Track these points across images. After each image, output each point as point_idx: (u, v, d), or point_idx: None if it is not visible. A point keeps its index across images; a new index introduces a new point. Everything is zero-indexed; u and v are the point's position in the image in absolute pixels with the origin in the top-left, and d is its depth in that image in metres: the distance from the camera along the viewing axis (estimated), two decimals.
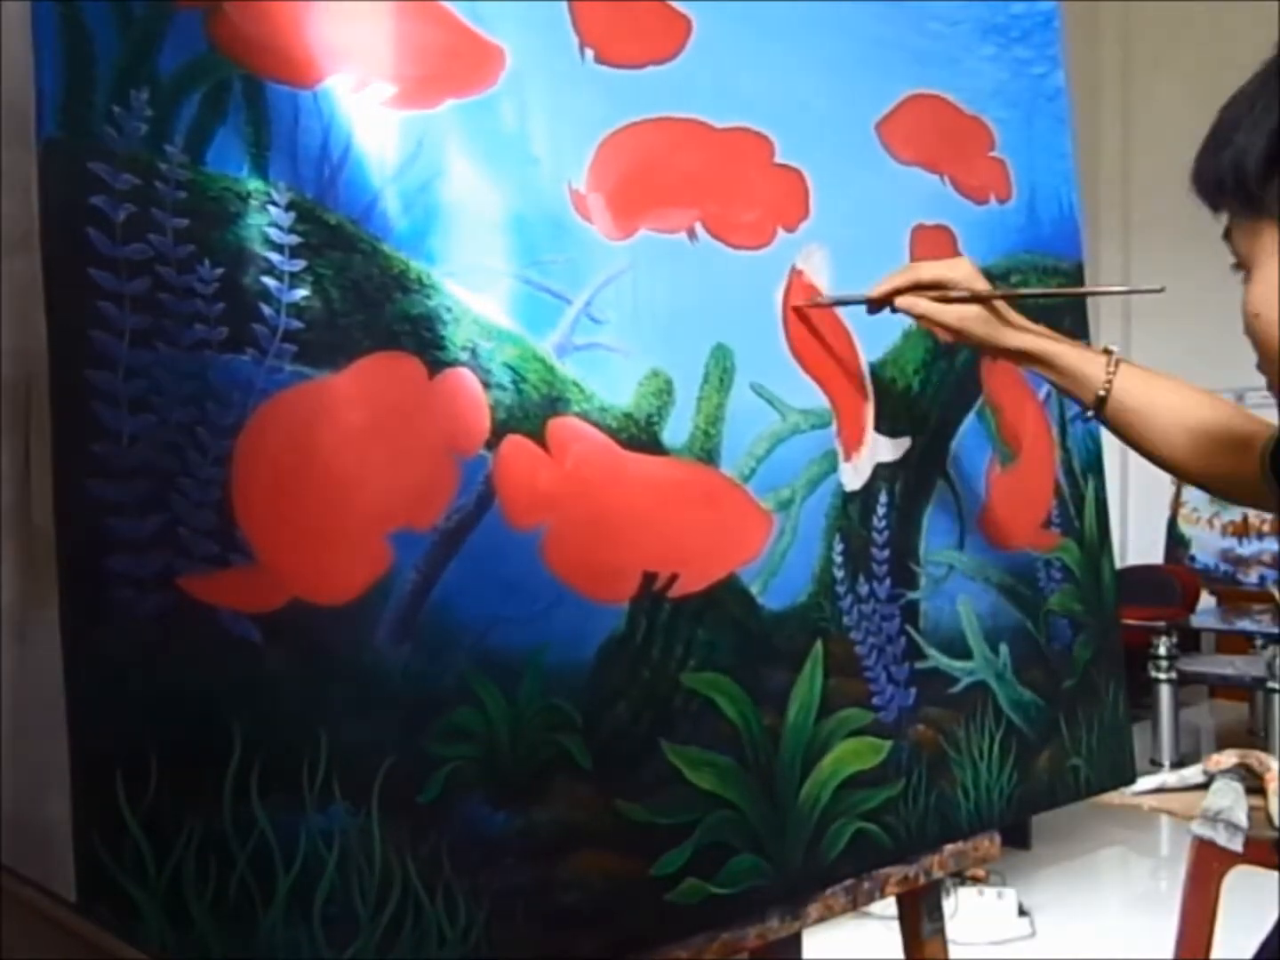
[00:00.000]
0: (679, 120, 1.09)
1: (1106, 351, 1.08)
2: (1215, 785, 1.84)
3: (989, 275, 1.35)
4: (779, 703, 1.09)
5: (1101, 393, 1.05)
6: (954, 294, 1.11)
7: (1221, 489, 1.08)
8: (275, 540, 0.85)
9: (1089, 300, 1.51)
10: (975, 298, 1.10)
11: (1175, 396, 1.06)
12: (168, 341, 0.83)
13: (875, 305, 1.15)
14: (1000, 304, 1.12)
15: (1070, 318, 1.47)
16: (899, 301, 1.12)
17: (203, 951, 0.81)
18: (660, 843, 0.99)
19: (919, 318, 1.13)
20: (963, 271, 1.12)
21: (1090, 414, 1.08)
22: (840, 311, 1.19)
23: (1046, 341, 1.11)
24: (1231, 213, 0.81)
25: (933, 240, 1.30)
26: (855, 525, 1.18)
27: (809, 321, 1.17)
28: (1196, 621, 4.53)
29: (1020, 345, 1.10)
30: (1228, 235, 0.82)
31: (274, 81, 0.87)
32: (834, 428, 1.17)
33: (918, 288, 1.12)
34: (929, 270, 1.13)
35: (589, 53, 1.03)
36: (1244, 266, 0.81)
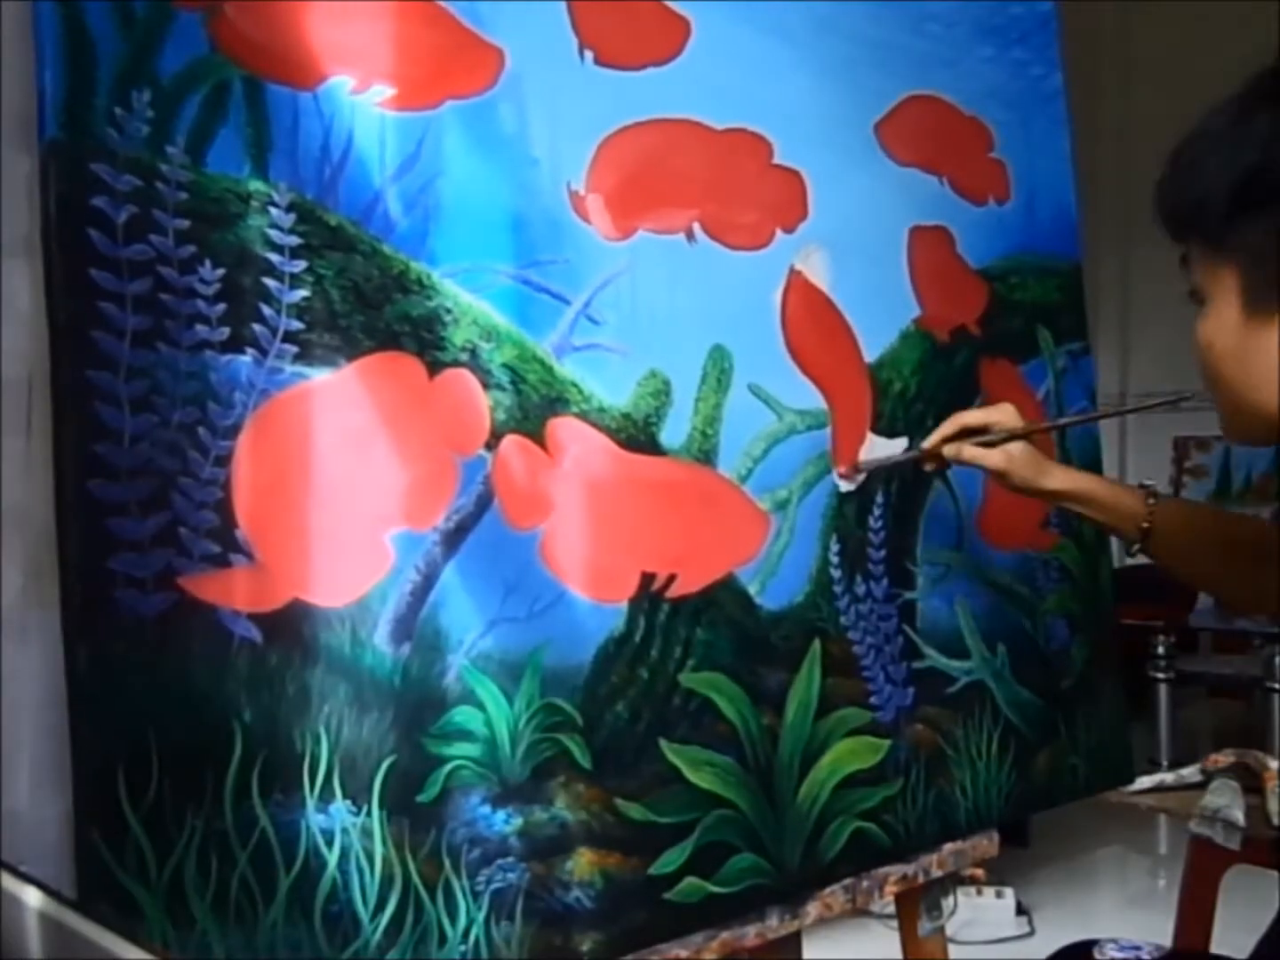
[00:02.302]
0: (678, 121, 1.09)
1: (1143, 487, 1.10)
2: (1213, 784, 1.84)
3: (987, 276, 1.36)
4: (777, 702, 1.09)
5: (1145, 525, 1.07)
6: (994, 435, 1.12)
7: (1261, 606, 1.09)
8: (276, 540, 0.86)
9: (1089, 303, 1.51)
10: (1015, 435, 1.12)
11: (1212, 522, 1.10)
12: (169, 342, 0.84)
13: (928, 460, 1.16)
14: (1044, 450, 1.13)
15: (1069, 319, 1.47)
16: (945, 450, 1.14)
17: (204, 950, 0.81)
18: (659, 842, 0.99)
19: (968, 463, 1.14)
20: (1005, 415, 1.13)
21: (1135, 549, 1.09)
22: (844, 312, 1.19)
23: (1088, 481, 1.13)
24: (1194, 245, 0.82)
25: (931, 241, 1.31)
26: (852, 525, 1.19)
27: (809, 324, 1.17)
28: (1194, 621, 4.53)
29: (1062, 486, 1.11)
30: (1184, 263, 0.83)
31: (274, 83, 0.88)
32: (829, 430, 1.18)
33: (964, 434, 1.13)
34: (973, 416, 1.15)
35: (588, 54, 1.04)
36: (1199, 297, 0.82)
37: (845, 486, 1.18)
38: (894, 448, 1.23)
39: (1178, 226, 0.82)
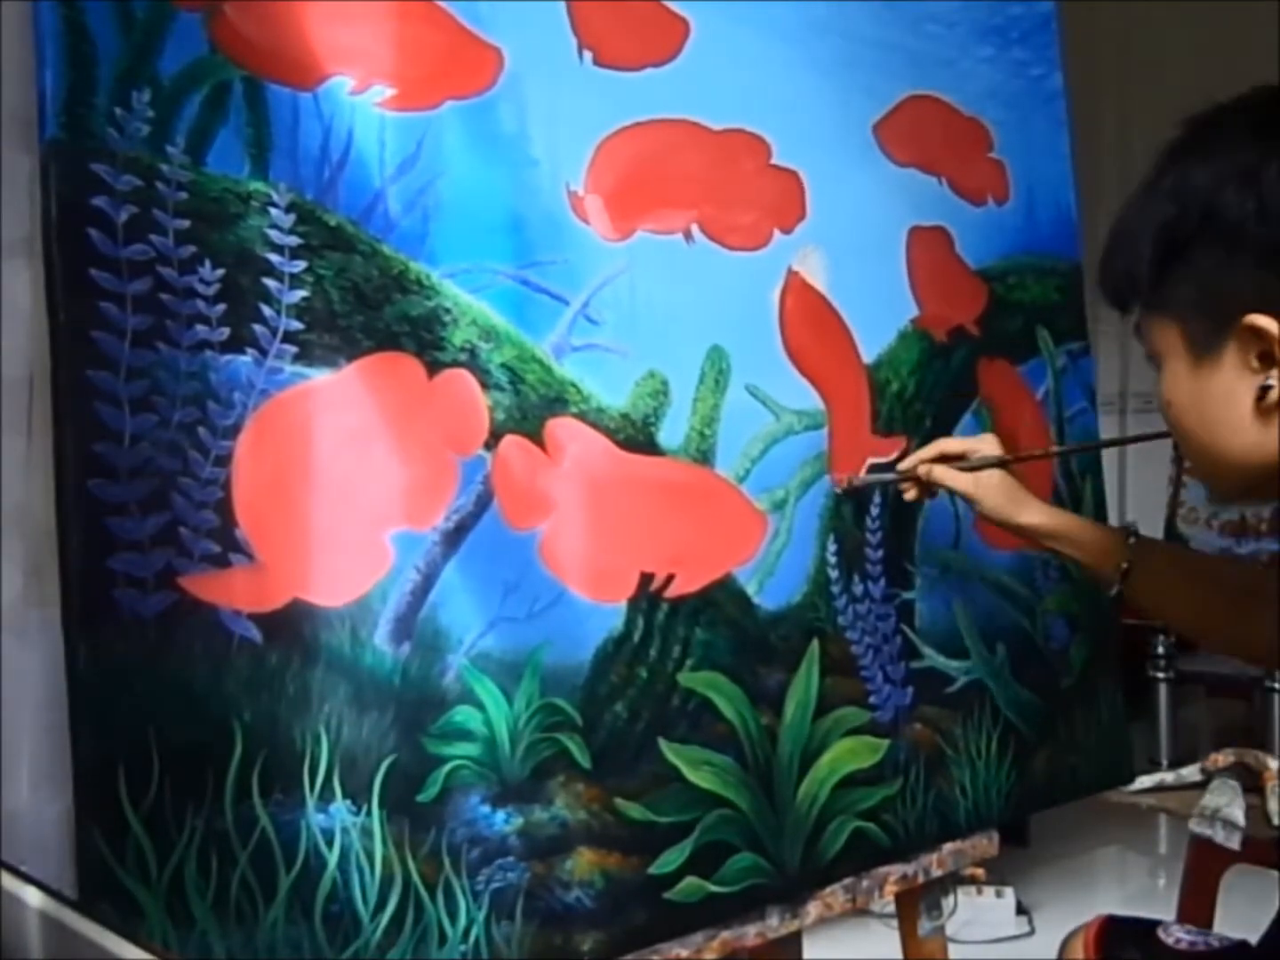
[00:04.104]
0: (676, 122, 1.09)
1: (1124, 529, 1.09)
2: (1213, 784, 1.84)
3: (986, 276, 1.36)
4: (776, 702, 1.09)
5: (1124, 565, 1.05)
6: (972, 462, 1.12)
7: (1242, 650, 1.09)
8: (276, 540, 0.86)
9: (1088, 306, 1.51)
10: (992, 463, 1.11)
11: (1196, 565, 1.10)
12: (169, 342, 0.84)
13: (906, 482, 1.16)
14: (1022, 483, 1.12)
15: (1069, 319, 1.47)
16: (920, 470, 1.14)
17: (204, 949, 0.81)
18: (659, 841, 0.99)
19: (937, 483, 1.13)
20: (986, 444, 1.13)
21: (1114, 590, 1.07)
22: (843, 313, 1.19)
23: (1066, 518, 1.11)
24: (1139, 310, 0.83)
25: (930, 241, 1.31)
26: (849, 525, 1.19)
27: (807, 325, 1.17)
28: None
29: (1037, 521, 1.10)
30: (1138, 331, 0.84)
31: (274, 83, 0.88)
32: (825, 430, 1.18)
33: (943, 458, 1.13)
34: (953, 443, 1.15)
35: (587, 54, 1.04)
36: (1154, 359, 0.84)
37: (838, 490, 1.18)
38: (892, 449, 1.23)
39: (1118, 297, 0.84)
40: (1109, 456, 1.52)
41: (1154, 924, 1.15)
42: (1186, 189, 0.77)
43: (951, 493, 1.14)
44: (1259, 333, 0.74)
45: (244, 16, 0.87)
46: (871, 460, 1.21)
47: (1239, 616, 1.00)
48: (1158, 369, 0.83)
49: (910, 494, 1.16)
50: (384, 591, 0.88)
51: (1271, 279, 0.74)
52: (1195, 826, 1.80)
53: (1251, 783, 1.82)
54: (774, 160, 1.16)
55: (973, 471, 1.11)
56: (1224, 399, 0.78)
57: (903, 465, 1.16)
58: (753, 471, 1.10)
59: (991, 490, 1.10)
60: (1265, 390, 0.76)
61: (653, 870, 0.98)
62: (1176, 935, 1.12)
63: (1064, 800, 1.40)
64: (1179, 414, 0.82)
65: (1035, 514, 1.10)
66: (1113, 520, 1.54)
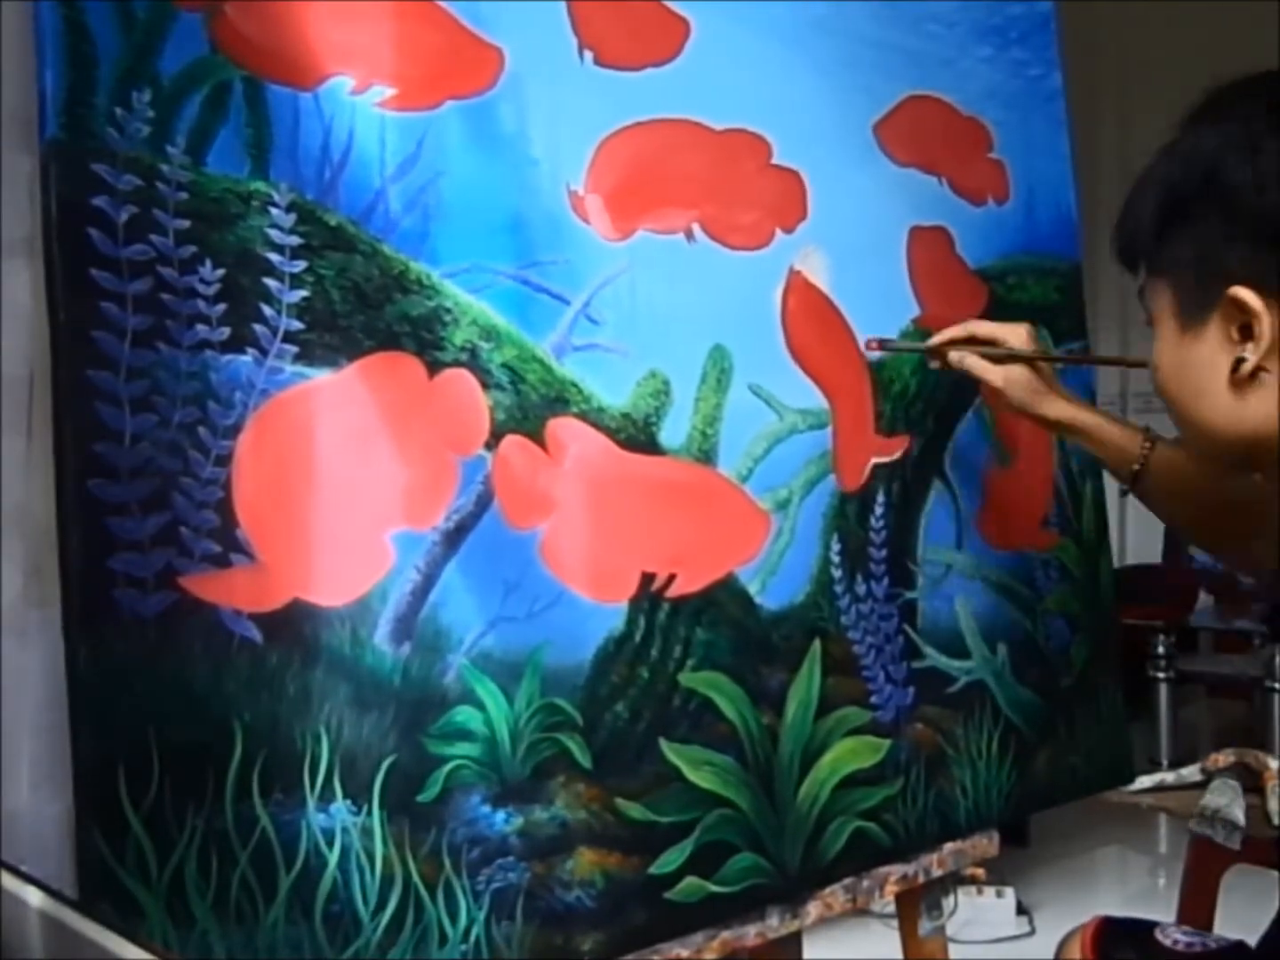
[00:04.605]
0: (677, 122, 1.09)
1: (1144, 430, 1.11)
2: (1213, 784, 1.84)
3: (986, 276, 1.36)
4: (777, 702, 1.09)
5: (1137, 466, 1.08)
6: (998, 351, 1.13)
7: (1242, 557, 1.11)
8: (276, 540, 0.86)
9: (1088, 303, 1.51)
10: (1016, 356, 1.12)
11: (1205, 475, 1.09)
12: (169, 342, 0.84)
13: (931, 355, 1.18)
14: (1048, 376, 1.14)
15: (1069, 319, 1.47)
16: (950, 355, 1.15)
17: (205, 949, 0.81)
18: (660, 841, 0.99)
19: (967, 372, 1.15)
20: (1017, 335, 1.14)
21: (1125, 487, 1.10)
22: (844, 313, 1.19)
23: (1088, 415, 1.13)
24: (1141, 273, 0.84)
25: (930, 241, 1.31)
26: (853, 525, 1.19)
27: (810, 324, 1.17)
28: (1194, 621, 4.52)
29: (1061, 415, 1.12)
30: (1141, 294, 0.85)
31: (275, 83, 0.88)
32: (830, 430, 1.18)
33: (972, 342, 1.15)
34: (985, 327, 1.16)
35: (588, 54, 1.04)
36: (1152, 323, 0.85)
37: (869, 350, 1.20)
38: (895, 449, 1.23)
39: (1125, 255, 0.85)
40: None
41: (1151, 925, 1.15)
42: (1194, 151, 0.78)
43: (977, 381, 1.15)
44: (1241, 305, 0.75)
45: (244, 16, 0.87)
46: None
47: (1246, 530, 1.00)
48: (1154, 332, 0.84)
49: (934, 364, 1.19)
50: (384, 591, 0.88)
51: (1261, 252, 0.74)
52: (1195, 826, 1.81)
53: (1251, 783, 1.82)
54: (775, 160, 1.16)
55: (1000, 364, 1.12)
56: (1205, 367, 0.79)
57: (933, 341, 1.18)
58: (755, 471, 1.10)
59: (1018, 385, 1.12)
60: (1239, 362, 0.76)
61: (653, 870, 0.98)
62: (1174, 936, 1.12)
63: (1064, 800, 1.40)
64: (1164, 379, 0.83)
65: (1058, 409, 1.12)
66: (1112, 518, 1.54)
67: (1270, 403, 0.76)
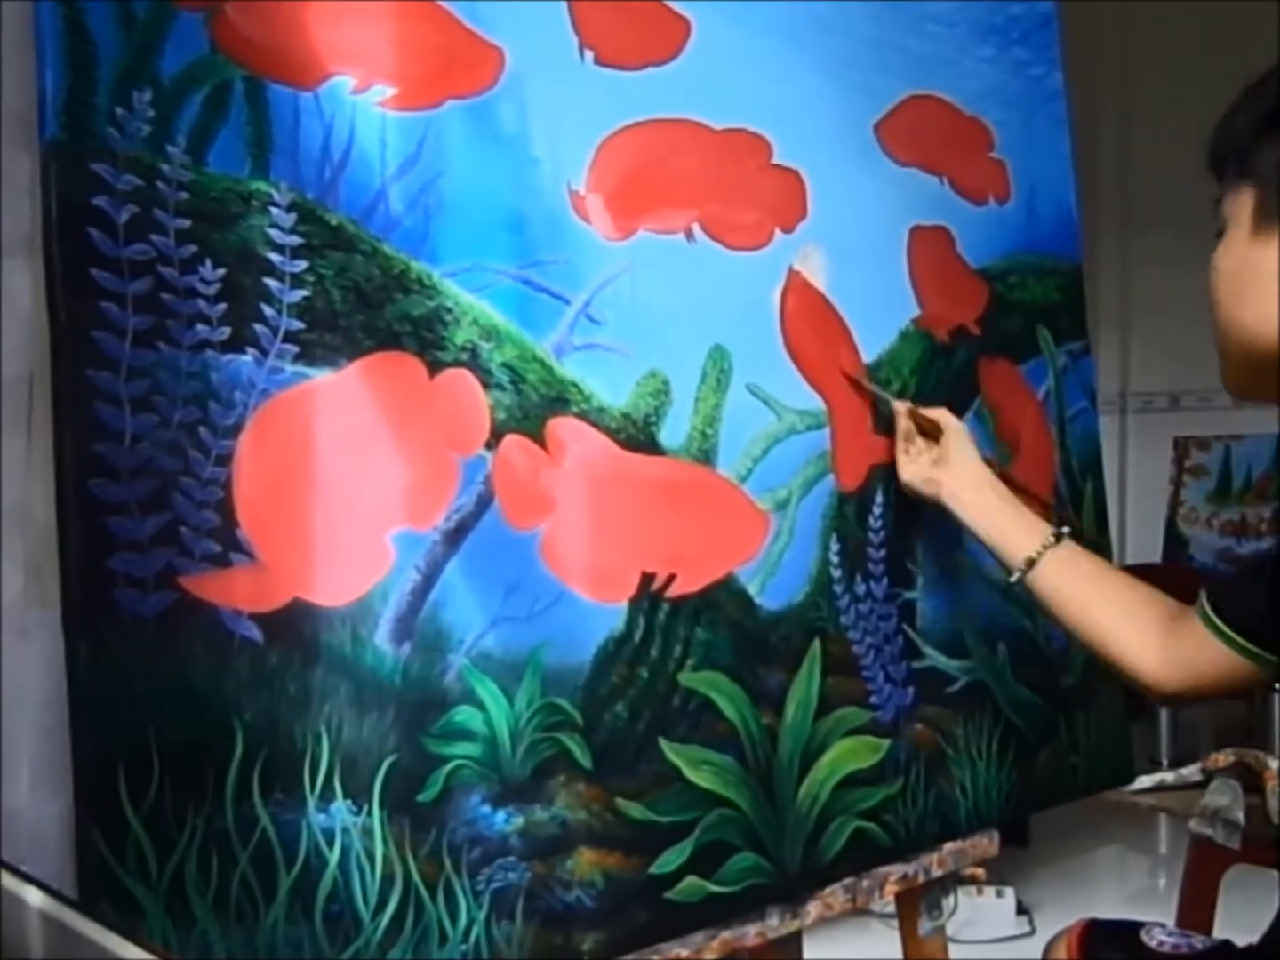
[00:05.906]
0: (678, 121, 1.09)
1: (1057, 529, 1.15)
2: (1213, 784, 1.84)
3: (987, 275, 1.36)
4: (777, 702, 1.09)
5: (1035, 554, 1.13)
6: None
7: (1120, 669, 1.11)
8: (276, 540, 0.86)
9: (1088, 304, 1.51)
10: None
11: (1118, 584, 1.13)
12: (169, 341, 0.84)
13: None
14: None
15: (1069, 319, 1.47)
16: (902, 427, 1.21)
17: (205, 949, 0.81)
18: (660, 841, 0.99)
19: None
20: (952, 437, 1.20)
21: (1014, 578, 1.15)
22: (843, 314, 1.19)
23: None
24: (1227, 179, 0.87)
25: (931, 241, 1.31)
26: (852, 525, 1.19)
27: (808, 324, 1.17)
28: None
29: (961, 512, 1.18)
30: (1218, 203, 0.88)
31: (275, 82, 0.88)
32: (828, 430, 1.18)
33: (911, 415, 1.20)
34: (926, 415, 1.21)
35: (588, 54, 1.04)
36: (1220, 232, 0.88)
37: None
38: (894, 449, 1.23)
39: (1216, 160, 0.88)
40: (1109, 457, 1.52)
41: (1137, 926, 1.15)
42: None
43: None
44: None
45: (245, 16, 0.87)
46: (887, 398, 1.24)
47: (1165, 642, 1.04)
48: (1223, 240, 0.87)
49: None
50: (384, 591, 0.88)
51: None
52: (1195, 826, 1.81)
53: (1251, 783, 1.82)
54: (775, 160, 1.16)
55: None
56: (1265, 276, 0.82)
57: (899, 405, 1.21)
58: (755, 471, 1.10)
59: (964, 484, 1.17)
60: None
61: (653, 870, 0.98)
62: (1159, 938, 1.12)
63: (1064, 800, 1.40)
64: (1218, 280, 0.86)
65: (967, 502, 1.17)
66: (1113, 518, 1.54)
67: None
